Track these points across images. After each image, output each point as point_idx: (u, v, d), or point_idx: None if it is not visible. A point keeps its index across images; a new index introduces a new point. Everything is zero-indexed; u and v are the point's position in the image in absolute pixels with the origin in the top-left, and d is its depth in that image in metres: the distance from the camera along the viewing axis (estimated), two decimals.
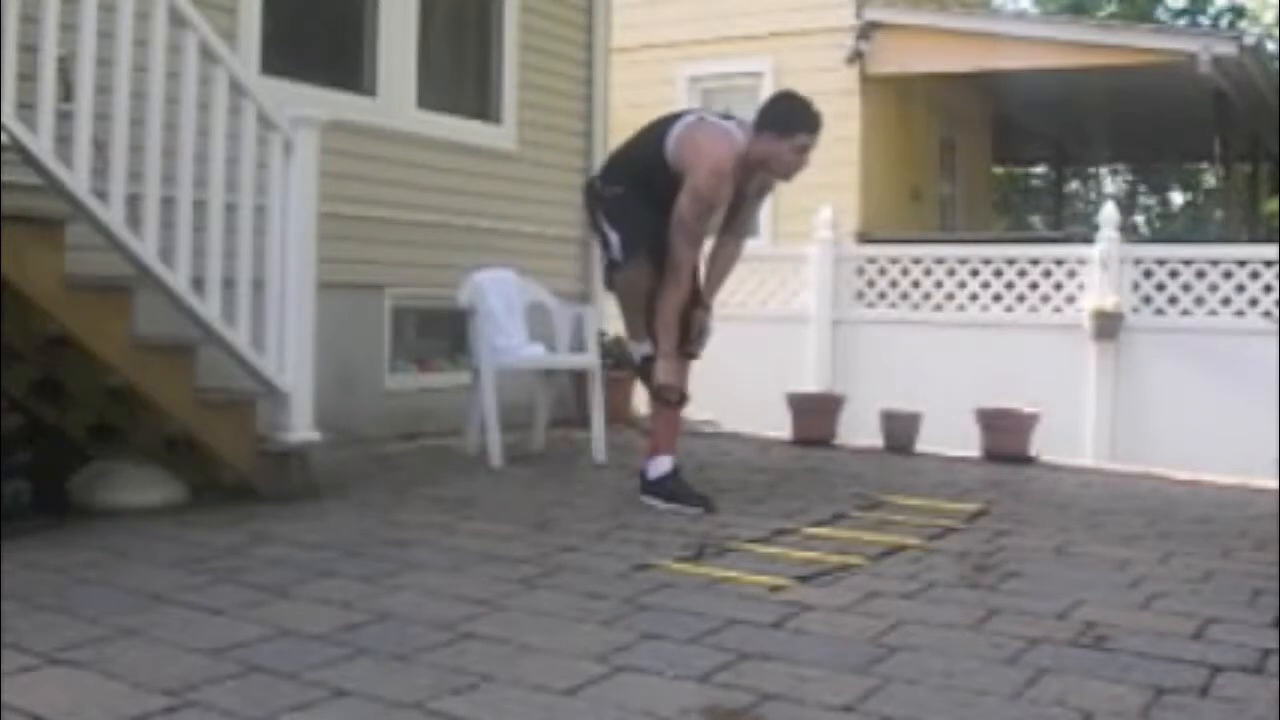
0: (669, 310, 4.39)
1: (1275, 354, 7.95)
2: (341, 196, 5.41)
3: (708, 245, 4.63)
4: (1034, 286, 9.36)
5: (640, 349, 4.56)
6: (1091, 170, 25.00)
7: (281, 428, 4.31)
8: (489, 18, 6.95)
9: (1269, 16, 22.87)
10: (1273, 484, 5.55)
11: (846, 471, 5.62)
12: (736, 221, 4.64)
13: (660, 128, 4.45)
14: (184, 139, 3.99)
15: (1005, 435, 6.40)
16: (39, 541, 3.47)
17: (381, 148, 6.10)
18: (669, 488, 4.36)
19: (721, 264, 4.68)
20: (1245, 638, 2.76)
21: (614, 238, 4.44)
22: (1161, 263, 8.98)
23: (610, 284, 4.65)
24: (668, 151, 4.36)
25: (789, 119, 4.35)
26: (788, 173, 4.41)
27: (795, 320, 9.97)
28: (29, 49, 3.61)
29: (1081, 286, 9.12)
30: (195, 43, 4.02)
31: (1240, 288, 8.70)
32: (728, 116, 4.52)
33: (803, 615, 2.86)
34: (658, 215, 4.35)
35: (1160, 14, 24.53)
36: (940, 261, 9.77)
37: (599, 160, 7.49)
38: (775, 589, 3.10)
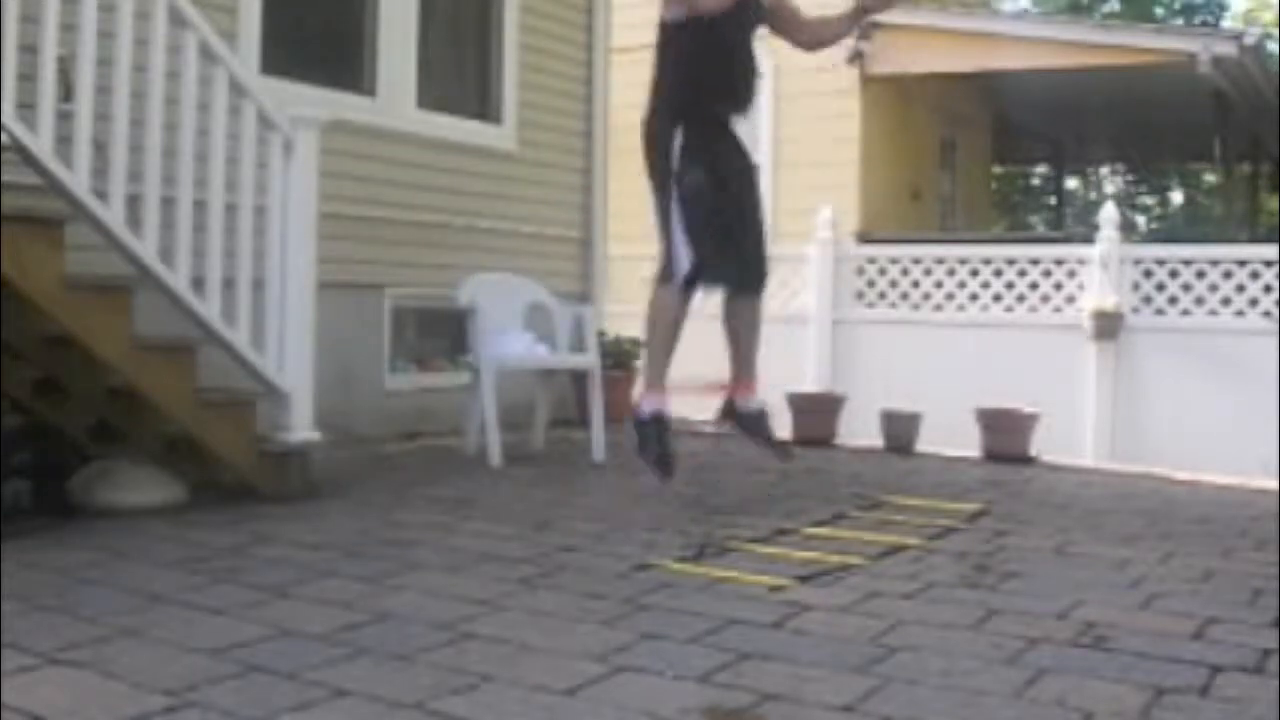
0: None
1: (1275, 354, 7.95)
2: (341, 196, 5.41)
3: None
4: (1034, 286, 9.37)
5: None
6: (1091, 170, 24.99)
7: (281, 428, 4.31)
8: (489, 17, 6.95)
9: (1269, 16, 22.85)
10: (1273, 484, 5.55)
11: (846, 471, 5.61)
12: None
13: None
14: (184, 139, 3.99)
15: (1005, 435, 6.39)
16: (39, 541, 3.47)
17: (381, 148, 6.10)
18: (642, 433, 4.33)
19: None
20: (1245, 638, 2.76)
21: (680, 242, 4.08)
22: (1161, 263, 8.99)
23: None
24: None
25: None
26: None
27: (795, 320, 9.96)
28: (29, 49, 3.61)
29: (1081, 286, 9.13)
30: (195, 43, 4.02)
31: (1240, 288, 8.71)
32: None
33: (803, 615, 2.86)
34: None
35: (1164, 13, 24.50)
36: (940, 261, 9.77)
37: (599, 160, 7.51)
38: (775, 589, 3.10)
